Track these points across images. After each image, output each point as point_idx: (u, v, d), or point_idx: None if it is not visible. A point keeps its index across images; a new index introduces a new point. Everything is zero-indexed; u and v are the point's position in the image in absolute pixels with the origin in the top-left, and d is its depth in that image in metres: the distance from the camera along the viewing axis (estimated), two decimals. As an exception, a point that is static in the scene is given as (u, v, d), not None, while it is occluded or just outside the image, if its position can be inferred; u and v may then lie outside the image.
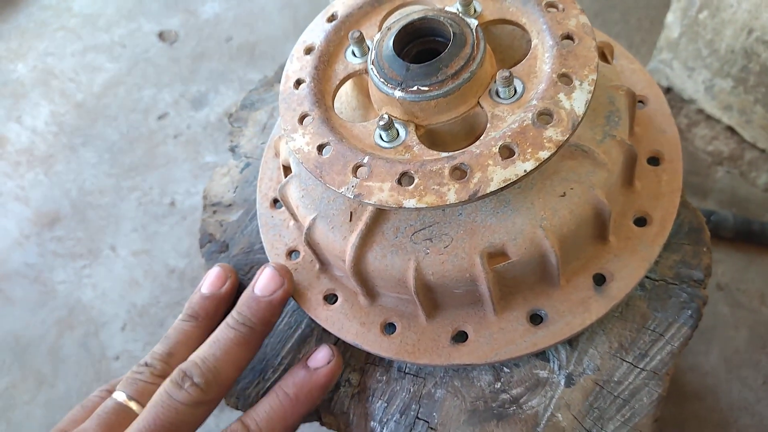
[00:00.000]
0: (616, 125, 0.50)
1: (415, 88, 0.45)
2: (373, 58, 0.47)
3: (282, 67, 0.76)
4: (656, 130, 0.57)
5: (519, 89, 0.46)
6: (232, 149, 0.71)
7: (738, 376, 1.10)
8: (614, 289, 0.51)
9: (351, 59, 0.51)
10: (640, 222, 0.53)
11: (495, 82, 0.46)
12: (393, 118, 0.45)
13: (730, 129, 1.35)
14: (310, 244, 0.52)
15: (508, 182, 0.41)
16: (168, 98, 1.66)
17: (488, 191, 0.41)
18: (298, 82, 0.49)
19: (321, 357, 0.52)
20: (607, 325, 0.53)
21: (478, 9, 0.50)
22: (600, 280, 0.52)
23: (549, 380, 0.52)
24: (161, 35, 1.81)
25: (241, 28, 1.78)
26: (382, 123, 0.45)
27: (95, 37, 1.84)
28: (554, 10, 0.48)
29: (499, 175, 0.41)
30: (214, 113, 1.60)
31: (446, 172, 0.42)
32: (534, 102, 0.44)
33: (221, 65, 1.71)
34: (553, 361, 0.52)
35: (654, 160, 0.56)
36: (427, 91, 0.44)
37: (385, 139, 0.46)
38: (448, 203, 0.41)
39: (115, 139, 1.61)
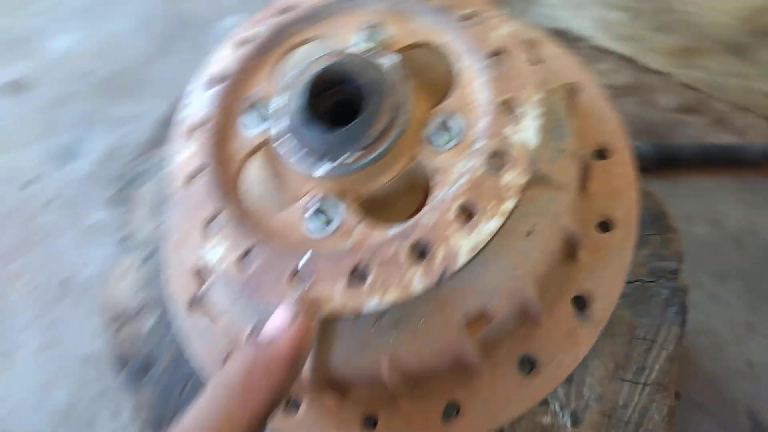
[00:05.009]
0: (563, 137, 0.44)
1: (339, 160, 0.36)
2: (280, 129, 0.38)
3: (159, 122, 0.65)
4: (596, 120, 0.53)
5: (456, 129, 0.38)
6: (123, 243, 0.59)
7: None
8: (597, 310, 0.46)
9: (250, 130, 0.42)
10: (604, 227, 0.49)
11: (427, 127, 0.38)
12: (321, 201, 0.37)
13: (627, 59, 1.36)
14: (254, 352, 0.44)
15: (477, 249, 0.35)
16: (29, 160, 1.45)
17: (458, 267, 0.35)
18: (191, 177, 0.40)
19: (274, 325, 0.34)
20: (596, 347, 0.49)
21: (389, 34, 0.42)
22: (580, 302, 0.47)
23: (554, 425, 0.47)
24: (7, 87, 1.57)
25: (98, 59, 1.59)
26: (308, 213, 0.36)
27: (-77, 106, 1.57)
28: (472, 21, 0.41)
29: (465, 244, 0.35)
30: (88, 162, 1.42)
31: (403, 255, 0.35)
32: (480, 144, 0.37)
33: (86, 105, 1.51)
34: (553, 403, 0.47)
35: (601, 154, 0.51)
36: (355, 161, 0.36)
37: (316, 228, 0.37)
38: (415, 293, 0.34)
39: (-19, 219, 1.39)
